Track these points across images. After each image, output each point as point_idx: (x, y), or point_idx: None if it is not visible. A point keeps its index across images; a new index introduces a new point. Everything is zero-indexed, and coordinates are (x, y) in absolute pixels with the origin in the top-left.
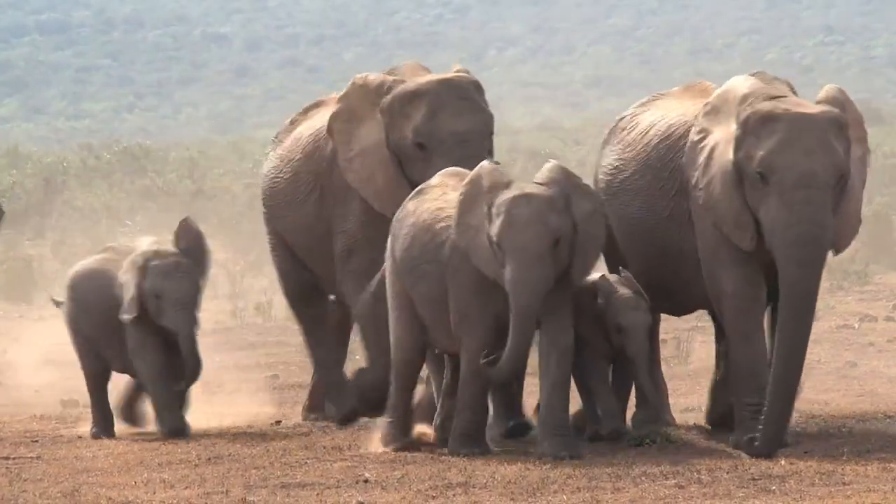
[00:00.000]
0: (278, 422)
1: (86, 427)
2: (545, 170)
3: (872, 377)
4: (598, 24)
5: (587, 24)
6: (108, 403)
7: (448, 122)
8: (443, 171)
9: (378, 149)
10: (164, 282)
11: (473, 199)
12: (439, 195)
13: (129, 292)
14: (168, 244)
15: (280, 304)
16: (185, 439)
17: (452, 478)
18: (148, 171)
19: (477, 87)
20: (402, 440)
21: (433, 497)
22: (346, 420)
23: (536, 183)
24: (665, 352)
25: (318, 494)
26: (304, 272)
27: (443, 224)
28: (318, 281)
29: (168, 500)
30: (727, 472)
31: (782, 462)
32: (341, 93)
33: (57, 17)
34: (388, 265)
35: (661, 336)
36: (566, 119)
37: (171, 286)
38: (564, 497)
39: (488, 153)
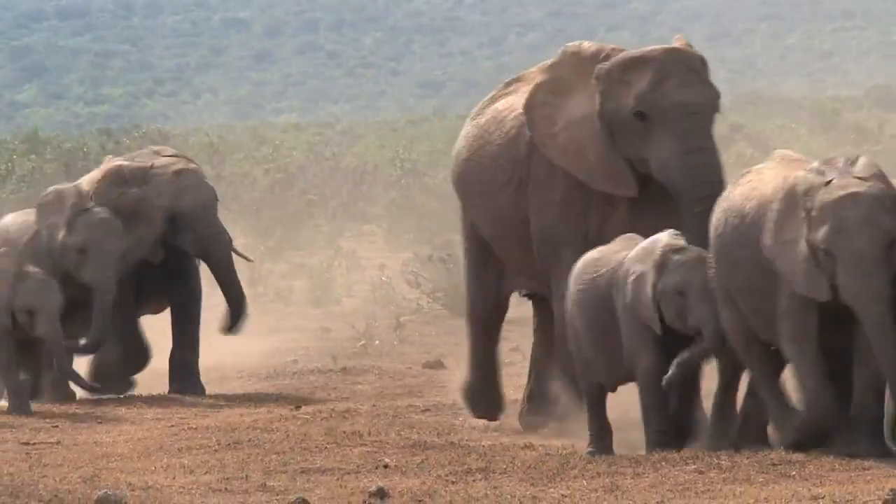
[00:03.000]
0: (298, 407)
1: (106, 410)
2: (862, 164)
3: None
4: (618, 9)
5: (607, 9)
6: (605, 416)
7: (675, 91)
8: (775, 153)
9: (588, 121)
10: (688, 278)
11: (791, 210)
12: (756, 175)
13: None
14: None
15: (300, 290)
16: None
17: (472, 463)
18: None
19: (703, 62)
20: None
21: (453, 482)
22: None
23: (857, 178)
24: None
25: (337, 479)
26: (493, 270)
27: (753, 203)
28: (503, 276)
29: (188, 485)
30: (747, 458)
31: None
32: (546, 64)
33: (76, 2)
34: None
35: None
36: None
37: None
38: (584, 482)
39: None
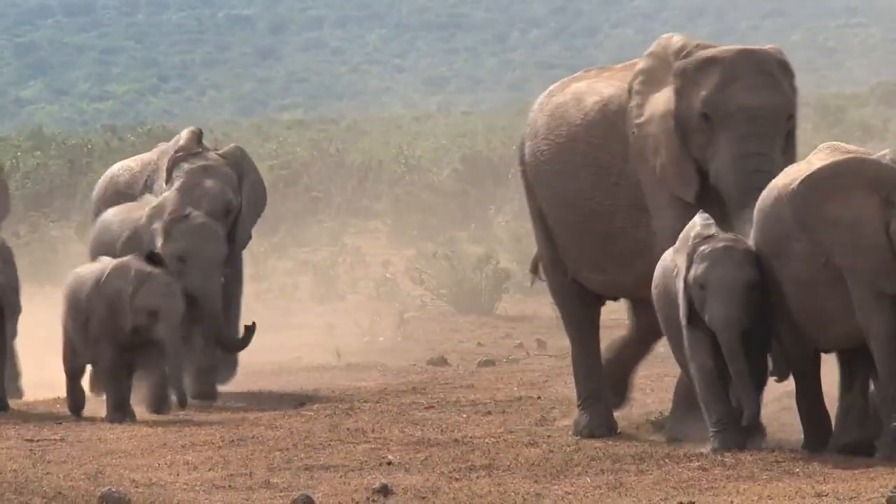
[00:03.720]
0: (302, 404)
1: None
2: None
3: None
4: (622, 6)
5: (611, 5)
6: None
7: (738, 94)
8: (823, 145)
9: (665, 119)
10: (709, 271)
11: (848, 188)
12: (808, 167)
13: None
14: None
15: (304, 286)
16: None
17: (476, 460)
18: None
19: (781, 64)
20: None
21: (457, 479)
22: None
23: None
24: None
25: (341, 476)
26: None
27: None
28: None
29: (191, 481)
30: (751, 455)
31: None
32: (638, 62)
33: None
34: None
35: None
36: None
37: (716, 274)
38: (588, 479)
39: (786, 136)
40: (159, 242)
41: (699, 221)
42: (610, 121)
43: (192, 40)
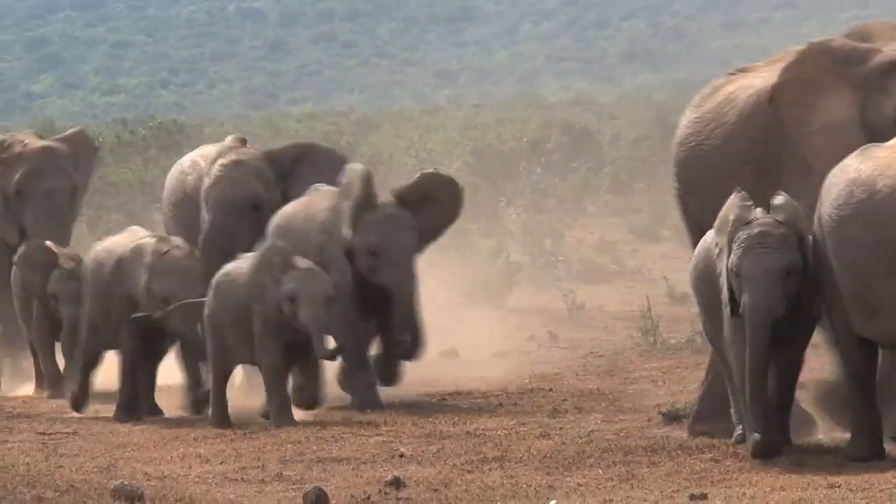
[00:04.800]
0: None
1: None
2: None
3: None
4: None
5: None
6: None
7: None
8: None
9: (848, 127)
10: (743, 258)
11: None
12: (888, 152)
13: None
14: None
15: None
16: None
17: (488, 452)
18: (183, 147)
19: None
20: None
21: (469, 472)
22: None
23: None
24: None
25: (353, 469)
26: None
27: (887, 181)
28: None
29: (204, 474)
30: None
31: (819, 438)
32: (784, 58)
33: None
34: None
35: None
36: (600, 93)
37: (749, 262)
38: (600, 471)
39: None
40: (348, 234)
41: (737, 202)
42: (766, 113)
43: (202, 34)
